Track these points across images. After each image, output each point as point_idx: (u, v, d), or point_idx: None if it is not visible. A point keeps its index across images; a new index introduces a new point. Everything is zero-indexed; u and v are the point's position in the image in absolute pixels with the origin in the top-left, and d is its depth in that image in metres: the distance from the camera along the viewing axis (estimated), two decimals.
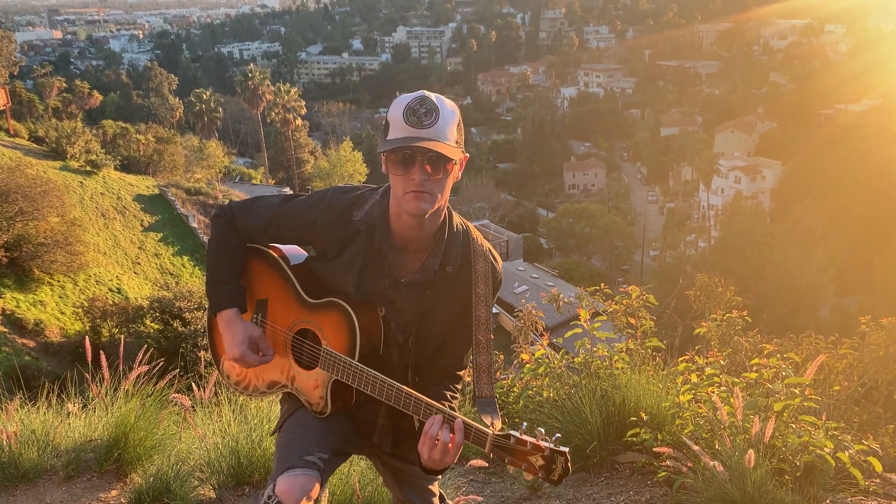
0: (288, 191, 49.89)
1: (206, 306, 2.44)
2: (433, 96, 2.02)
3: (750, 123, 76.70)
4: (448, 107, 2.02)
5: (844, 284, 43.22)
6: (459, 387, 2.29)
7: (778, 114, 75.72)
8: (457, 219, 2.20)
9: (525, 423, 2.08)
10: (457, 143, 2.04)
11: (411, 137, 1.96)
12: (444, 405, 2.09)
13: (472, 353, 2.19)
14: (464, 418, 2.00)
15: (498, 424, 2.06)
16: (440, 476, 2.47)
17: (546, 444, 1.94)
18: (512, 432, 1.96)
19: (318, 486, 2.08)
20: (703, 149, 68.25)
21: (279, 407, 3.85)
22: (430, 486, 2.44)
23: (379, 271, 2.15)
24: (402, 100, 2.01)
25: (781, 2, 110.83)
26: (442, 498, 2.51)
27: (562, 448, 1.94)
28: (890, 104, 59.94)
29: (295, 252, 2.37)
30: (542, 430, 1.97)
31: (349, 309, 2.12)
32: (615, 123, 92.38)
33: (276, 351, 2.27)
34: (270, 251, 2.32)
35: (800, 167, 59.42)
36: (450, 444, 1.98)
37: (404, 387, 2.05)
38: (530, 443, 1.94)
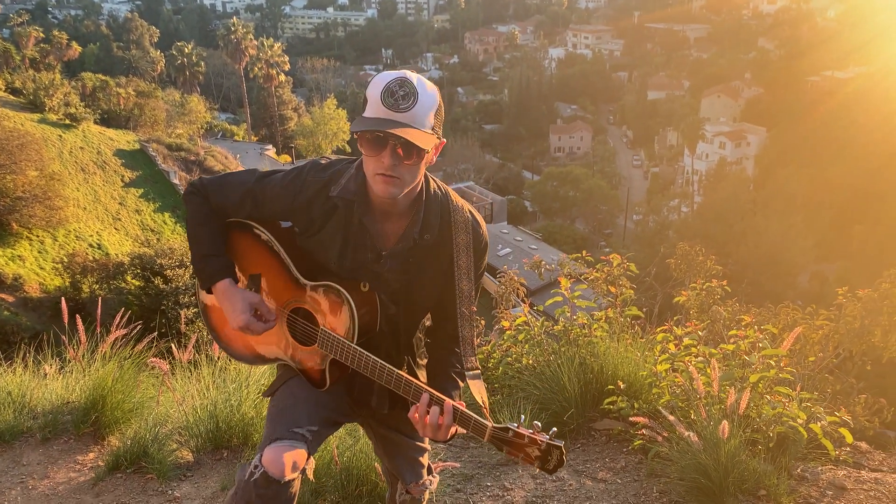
0: (270, 148, 49.44)
1: (197, 281, 2.39)
2: (414, 78, 1.97)
3: (736, 89, 76.51)
4: (428, 90, 1.98)
5: (824, 251, 43.67)
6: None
7: (765, 79, 75.49)
8: (433, 184, 2.18)
9: (523, 416, 2.11)
10: (433, 129, 2.01)
11: (385, 120, 1.93)
12: (451, 371, 2.20)
13: (460, 324, 2.18)
14: (462, 408, 2.03)
15: (485, 396, 2.11)
16: (430, 449, 2.53)
17: (542, 439, 1.98)
18: (510, 425, 1.99)
19: (304, 457, 2.09)
20: (689, 113, 68.14)
21: (259, 370, 3.86)
22: (420, 458, 2.47)
23: (361, 245, 2.14)
24: (383, 78, 1.97)
25: None
26: (430, 470, 2.53)
27: (557, 442, 1.98)
28: (875, 71, 59.95)
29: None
30: (539, 424, 2.00)
31: (347, 294, 2.11)
32: (602, 86, 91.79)
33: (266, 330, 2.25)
34: (257, 226, 2.28)
35: (784, 134, 59.50)
36: (439, 422, 2.01)
37: (397, 370, 2.07)
38: (527, 436, 1.98)
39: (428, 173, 2.16)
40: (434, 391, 2.05)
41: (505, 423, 2.01)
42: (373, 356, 2.09)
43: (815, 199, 46.10)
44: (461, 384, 2.22)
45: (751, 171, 61.70)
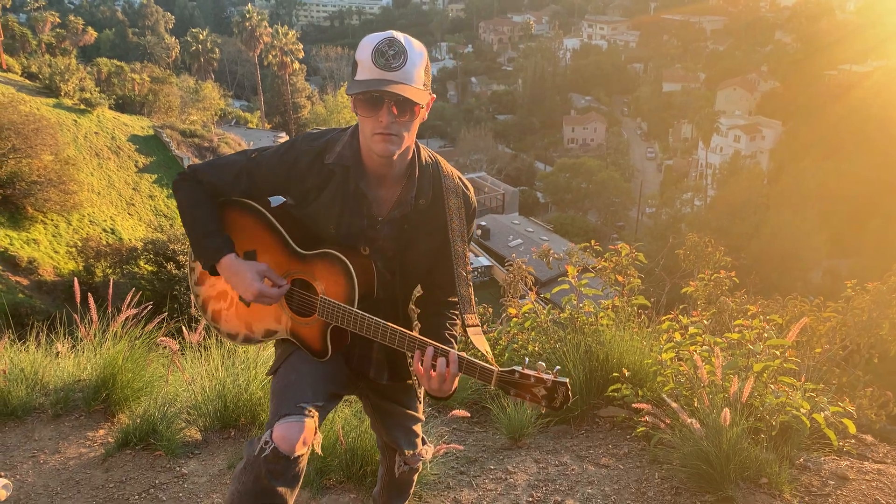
0: (283, 136, 49.53)
1: (192, 269, 2.42)
2: (401, 37, 2.03)
3: (752, 82, 75.86)
4: (416, 48, 2.03)
5: (837, 246, 43.38)
6: (457, 312, 2.35)
7: (781, 73, 74.84)
8: (424, 151, 2.24)
9: (527, 359, 2.20)
10: (424, 84, 2.06)
11: (379, 80, 1.98)
12: (445, 333, 2.26)
13: (458, 284, 2.25)
14: (467, 357, 2.10)
15: (487, 347, 2.18)
16: (423, 420, 2.57)
17: (548, 377, 2.06)
18: (515, 367, 2.07)
19: (312, 431, 2.12)
20: (704, 106, 67.65)
21: (267, 352, 3.91)
22: (415, 427, 2.53)
23: (357, 211, 2.19)
24: (371, 40, 2.02)
25: None
26: (423, 440, 2.59)
27: (562, 379, 2.07)
28: (895, 66, 59.31)
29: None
30: (544, 364, 2.07)
31: (345, 259, 2.15)
32: (617, 77, 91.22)
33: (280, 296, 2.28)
34: (249, 202, 2.31)
35: (799, 128, 59.02)
36: (445, 374, 2.07)
37: (400, 328, 2.13)
38: (533, 376, 2.06)
39: (419, 141, 2.21)
40: (438, 344, 2.11)
41: (510, 367, 2.07)
42: (374, 317, 2.13)
43: (830, 194, 45.75)
44: (456, 346, 2.27)
45: (765, 165, 61.28)
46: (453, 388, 2.12)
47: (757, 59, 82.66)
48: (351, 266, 2.15)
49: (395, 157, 2.09)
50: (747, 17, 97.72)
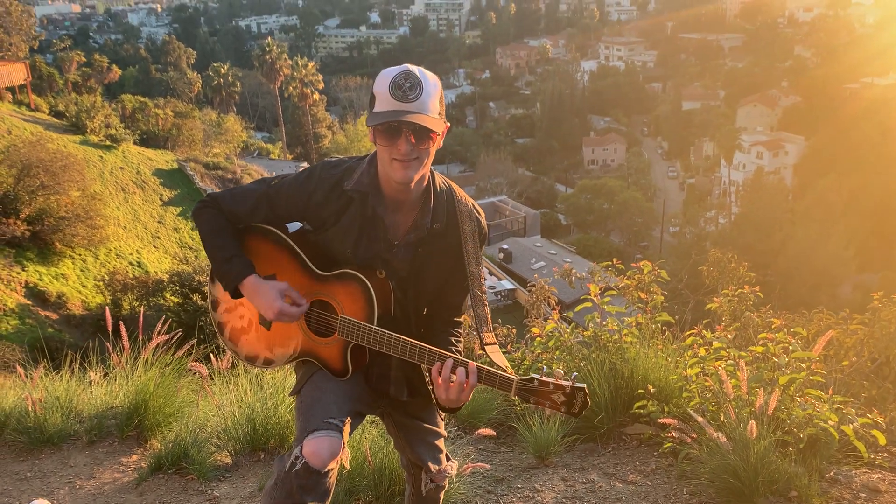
0: (305, 165, 50.03)
1: (214, 294, 2.48)
2: (416, 70, 2.13)
3: (773, 98, 75.54)
4: (430, 80, 2.14)
5: (866, 261, 42.77)
6: (461, 331, 2.45)
7: (802, 88, 74.46)
8: (439, 178, 2.33)
9: (545, 367, 2.23)
10: (439, 114, 2.17)
11: (397, 111, 2.08)
12: (451, 350, 2.33)
13: (471, 304, 2.33)
14: (486, 367, 2.16)
15: (505, 362, 2.25)
16: (446, 436, 2.62)
17: (566, 383, 2.12)
18: (534, 375, 2.13)
19: (340, 446, 2.16)
20: (724, 123, 67.43)
21: (294, 377, 3.97)
22: (437, 443, 2.57)
23: (374, 235, 2.27)
24: (387, 74, 2.12)
25: None
26: (448, 457, 2.64)
27: (580, 384, 2.14)
28: None
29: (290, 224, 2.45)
30: (562, 371, 2.11)
31: (364, 279, 2.23)
32: (636, 98, 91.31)
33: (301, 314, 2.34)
34: (267, 227, 2.38)
35: (823, 142, 58.54)
36: (465, 384, 2.14)
37: (419, 342, 2.19)
38: (552, 383, 2.12)
39: (433, 170, 2.30)
40: (457, 356, 2.17)
41: (529, 375, 2.12)
42: (394, 333, 2.20)
43: (856, 208, 45.21)
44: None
45: (789, 180, 60.78)
46: (467, 399, 2.18)
47: (777, 75, 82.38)
48: (371, 286, 2.22)
49: (412, 184, 2.19)
50: (765, 32, 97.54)
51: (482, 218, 2.39)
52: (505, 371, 2.19)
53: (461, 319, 2.44)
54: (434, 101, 2.13)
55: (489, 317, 2.35)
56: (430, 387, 2.29)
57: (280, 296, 2.24)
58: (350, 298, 2.26)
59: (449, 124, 2.26)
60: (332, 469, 2.14)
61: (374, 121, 2.11)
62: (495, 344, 2.30)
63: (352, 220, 2.26)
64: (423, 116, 2.09)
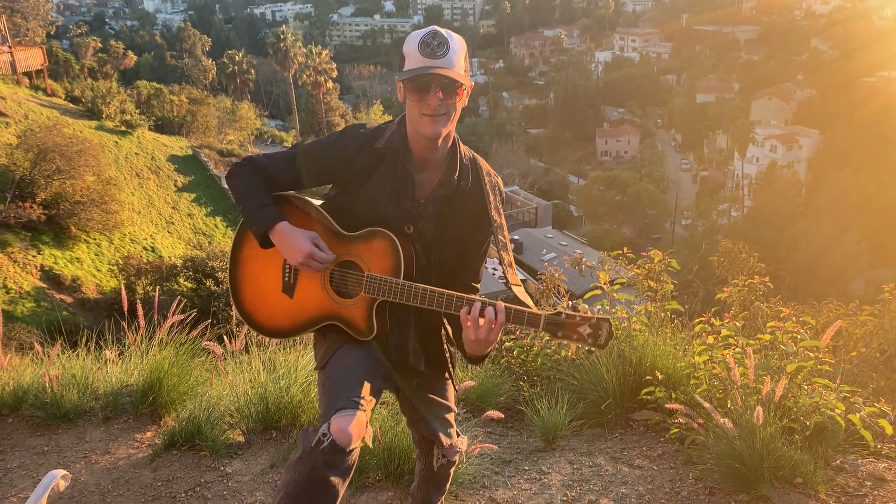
0: None
1: (231, 268, 2.53)
2: (443, 31, 2.25)
3: (788, 91, 74.91)
4: (456, 40, 2.26)
5: (879, 257, 42.47)
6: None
7: (818, 81, 73.75)
8: (461, 144, 2.43)
9: (570, 303, 2.34)
10: (465, 71, 2.28)
11: (427, 66, 2.20)
12: None
13: (497, 249, 2.43)
14: (514, 306, 2.24)
15: (530, 301, 2.33)
16: (456, 411, 2.69)
17: (592, 315, 2.21)
18: (561, 309, 2.22)
19: (364, 425, 2.21)
20: (738, 116, 66.96)
21: (306, 358, 4.03)
22: (449, 418, 2.65)
23: (404, 193, 2.36)
24: (416, 35, 2.25)
25: None
26: (458, 433, 2.72)
27: (604, 315, 2.24)
28: None
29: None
30: (586, 306, 2.19)
31: (390, 233, 2.31)
32: (650, 89, 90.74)
33: (315, 285, 2.40)
34: (294, 195, 2.46)
35: (838, 136, 58.06)
36: (493, 323, 2.20)
37: (446, 290, 2.27)
38: (579, 315, 2.21)
39: (457, 135, 2.39)
40: (484, 299, 2.24)
41: (556, 309, 2.22)
42: (419, 284, 2.27)
43: (870, 203, 44.87)
44: None
45: (803, 174, 60.37)
46: (492, 346, 2.28)
47: (792, 68, 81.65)
48: (397, 240, 2.30)
49: (439, 141, 2.29)
50: (781, 25, 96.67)
51: (500, 182, 2.51)
52: (531, 309, 2.26)
53: (479, 286, 2.50)
54: (460, 58, 2.24)
55: (513, 261, 2.45)
56: (447, 349, 2.38)
57: (310, 240, 2.31)
58: (376, 256, 2.33)
59: (473, 84, 2.36)
60: (356, 447, 2.18)
61: (404, 76, 2.22)
62: (520, 284, 2.40)
63: (383, 177, 2.35)
64: (450, 71, 2.20)
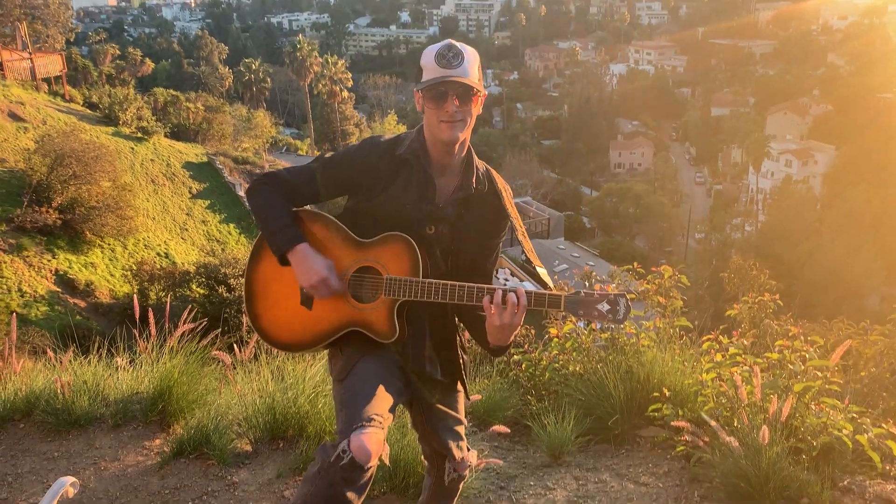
0: None
1: (247, 284, 2.58)
2: (458, 44, 2.38)
3: (804, 106, 74.60)
4: (470, 51, 2.39)
5: (895, 273, 42.10)
6: None
7: (834, 96, 73.42)
8: (476, 157, 2.54)
9: (587, 283, 2.43)
10: (479, 80, 2.40)
11: (444, 76, 2.33)
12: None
13: (516, 236, 2.56)
14: (533, 290, 2.33)
15: (550, 282, 2.45)
16: (466, 424, 2.75)
17: (608, 292, 2.32)
18: (578, 290, 2.33)
19: (382, 442, 2.23)
20: (754, 130, 66.77)
21: (314, 368, 4.06)
22: (459, 430, 2.70)
23: (426, 195, 2.45)
24: (433, 48, 2.39)
25: None
26: (468, 447, 2.76)
27: (622, 291, 2.35)
28: None
29: None
30: (602, 286, 2.25)
31: (408, 237, 2.40)
32: (664, 102, 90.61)
33: (337, 294, 2.46)
34: (312, 211, 2.54)
35: (854, 152, 57.71)
36: (516, 307, 2.29)
37: (466, 283, 2.35)
38: (597, 292, 2.32)
39: (471, 146, 2.50)
40: (504, 286, 2.32)
41: (575, 290, 2.33)
42: (438, 281, 2.36)
43: (886, 219, 44.52)
44: None
45: (818, 190, 60.03)
46: (516, 332, 2.35)
47: (808, 83, 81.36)
48: (414, 242, 2.39)
49: (456, 146, 2.41)
50: (797, 39, 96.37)
51: (510, 190, 2.63)
52: (550, 289, 2.36)
53: None
54: (474, 68, 2.37)
55: (532, 249, 2.58)
56: (465, 356, 2.50)
57: (327, 267, 2.40)
58: (394, 259, 2.41)
59: (486, 93, 2.48)
60: (374, 465, 2.21)
61: (422, 85, 2.35)
62: (543, 267, 2.51)
63: (406, 181, 2.44)
64: (465, 79, 2.33)
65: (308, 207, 2.55)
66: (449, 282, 2.35)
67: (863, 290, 39.12)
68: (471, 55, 2.37)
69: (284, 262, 2.44)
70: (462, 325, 2.66)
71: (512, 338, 2.38)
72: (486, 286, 2.33)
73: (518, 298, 2.28)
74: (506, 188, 2.58)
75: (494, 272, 2.60)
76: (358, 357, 2.43)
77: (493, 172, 2.58)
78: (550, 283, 2.40)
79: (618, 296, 2.30)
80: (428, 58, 2.37)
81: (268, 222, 2.45)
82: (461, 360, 2.64)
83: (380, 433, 2.21)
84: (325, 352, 2.64)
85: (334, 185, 2.51)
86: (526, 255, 2.54)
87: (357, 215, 2.51)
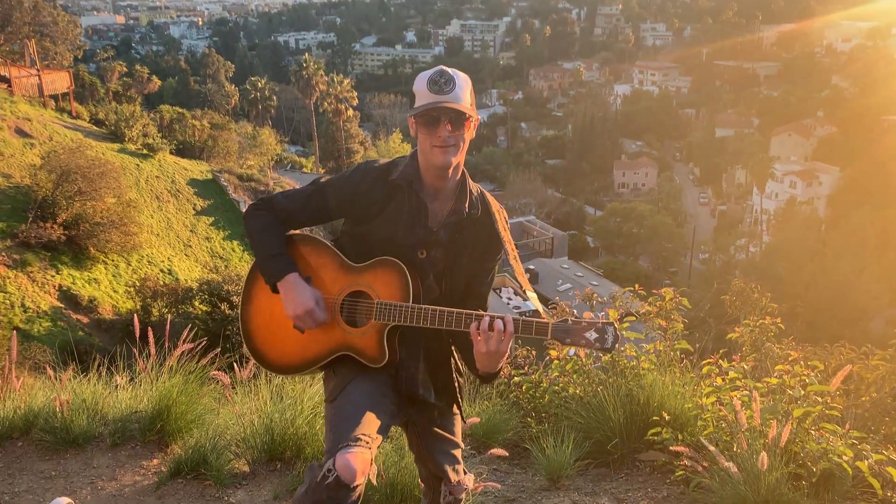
0: None
1: (243, 305, 2.60)
2: (449, 69, 2.42)
3: (808, 127, 74.77)
4: (461, 77, 2.42)
5: None
6: None
7: (838, 118, 73.60)
8: (469, 179, 2.57)
9: (576, 312, 2.42)
10: (471, 105, 2.44)
11: (435, 102, 2.36)
12: None
13: (509, 260, 2.59)
14: (521, 317, 2.33)
15: (541, 308, 2.50)
16: (463, 447, 2.73)
17: (596, 320, 2.34)
18: (566, 318, 2.33)
19: (369, 462, 2.24)
20: (758, 152, 66.86)
21: (312, 389, 4.05)
22: (456, 453, 2.70)
23: (418, 220, 2.47)
24: (424, 74, 2.42)
25: (846, 9, 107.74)
26: (465, 470, 2.75)
27: (609, 320, 2.37)
28: None
29: None
30: (591, 314, 2.24)
31: (397, 261, 2.41)
32: (669, 123, 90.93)
33: (322, 325, 2.47)
34: (307, 235, 2.57)
35: (859, 174, 57.75)
36: (503, 334, 2.29)
37: (455, 309, 2.36)
38: (584, 321, 2.32)
39: (465, 170, 2.52)
40: (492, 314, 2.32)
41: (562, 318, 2.31)
42: (428, 306, 2.36)
43: (890, 241, 44.43)
44: None
45: (822, 211, 60.00)
46: (505, 359, 2.35)
47: (813, 104, 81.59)
48: (405, 267, 2.40)
49: (450, 171, 2.43)
50: (802, 61, 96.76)
51: (505, 213, 2.65)
52: (542, 315, 2.37)
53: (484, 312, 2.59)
54: (465, 93, 2.40)
55: (524, 276, 2.61)
56: (461, 366, 2.47)
57: (314, 297, 2.42)
58: (385, 283, 2.42)
59: (479, 118, 2.51)
60: (361, 484, 2.21)
61: (415, 111, 2.38)
62: (533, 292, 2.54)
63: (399, 206, 2.46)
64: (457, 105, 2.36)
65: (304, 230, 2.58)
66: (438, 307, 2.35)
67: (868, 313, 38.96)
68: (462, 81, 2.40)
69: (275, 290, 2.47)
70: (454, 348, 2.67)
71: (500, 365, 2.38)
72: (474, 312, 2.34)
73: (505, 325, 2.29)
74: (500, 211, 2.59)
75: (498, 292, 2.62)
76: (350, 378, 2.45)
77: (488, 196, 2.59)
78: (541, 309, 2.42)
79: (606, 324, 2.30)
80: (420, 84, 2.40)
81: (260, 250, 2.50)
82: (456, 383, 2.64)
83: (366, 453, 2.21)
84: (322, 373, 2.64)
85: (328, 210, 2.54)
86: (517, 280, 2.55)
87: (352, 239, 2.54)
